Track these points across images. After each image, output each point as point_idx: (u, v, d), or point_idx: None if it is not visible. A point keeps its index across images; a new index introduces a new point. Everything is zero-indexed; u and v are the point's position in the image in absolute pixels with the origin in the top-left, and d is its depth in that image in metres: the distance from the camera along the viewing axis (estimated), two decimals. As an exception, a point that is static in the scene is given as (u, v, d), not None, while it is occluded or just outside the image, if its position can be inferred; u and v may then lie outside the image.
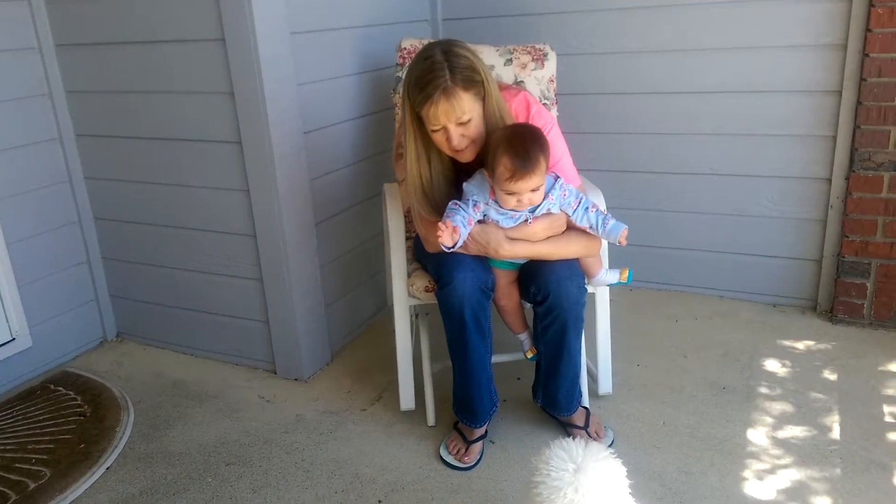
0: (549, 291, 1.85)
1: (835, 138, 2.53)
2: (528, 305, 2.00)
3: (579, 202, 1.84)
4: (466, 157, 1.82)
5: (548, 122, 1.92)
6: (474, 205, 1.80)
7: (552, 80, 2.46)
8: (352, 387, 2.40)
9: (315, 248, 2.42)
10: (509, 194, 1.74)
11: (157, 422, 2.25)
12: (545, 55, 2.44)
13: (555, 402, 2.03)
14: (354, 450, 2.06)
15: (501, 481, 1.91)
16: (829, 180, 2.58)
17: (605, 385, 2.25)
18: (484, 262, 1.89)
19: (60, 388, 2.44)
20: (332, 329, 2.56)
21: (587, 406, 2.13)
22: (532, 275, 1.90)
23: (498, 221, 1.81)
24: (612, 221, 1.83)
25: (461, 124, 1.75)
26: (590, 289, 2.05)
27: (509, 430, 2.12)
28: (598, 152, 2.88)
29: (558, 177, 1.83)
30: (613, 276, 2.05)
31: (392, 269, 2.08)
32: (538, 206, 1.79)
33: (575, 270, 1.88)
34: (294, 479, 1.95)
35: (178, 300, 2.61)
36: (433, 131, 1.77)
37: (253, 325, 2.47)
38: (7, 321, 2.42)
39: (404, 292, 2.07)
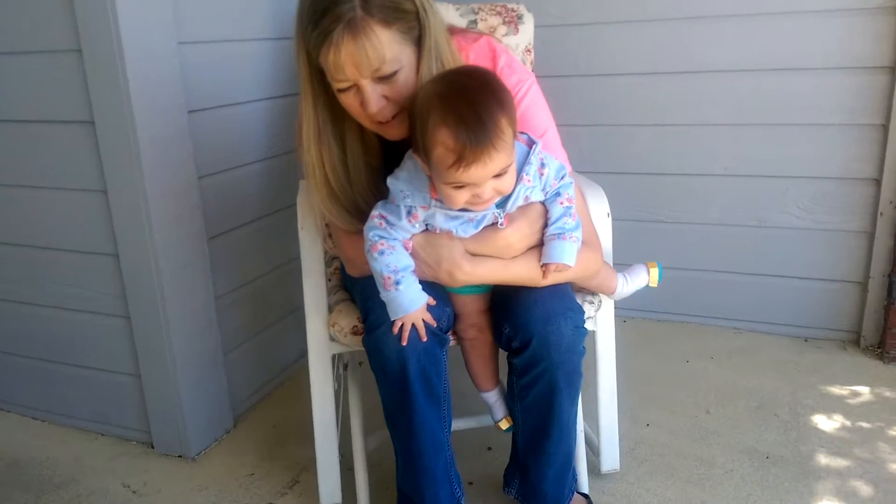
0: (530, 335, 1.22)
1: (886, 128, 1.98)
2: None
3: (559, 183, 1.23)
4: (394, 132, 1.20)
5: (523, 79, 1.31)
6: (408, 213, 1.18)
7: (528, 51, 1.88)
8: (257, 467, 1.72)
9: (208, 273, 1.74)
10: (458, 188, 1.10)
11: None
12: (519, 17, 1.85)
13: (538, 493, 1.40)
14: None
15: None
16: (878, 181, 2.03)
17: (611, 459, 1.62)
18: (436, 290, 1.25)
19: None
20: (234, 384, 1.88)
21: (586, 493, 1.50)
22: (505, 308, 1.28)
23: (452, 231, 1.19)
24: (567, 241, 1.21)
25: (382, 79, 1.12)
26: (591, 325, 1.44)
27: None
28: (580, 148, 2.28)
29: (534, 140, 1.21)
30: (639, 280, 1.47)
31: (306, 302, 1.43)
32: (509, 196, 1.17)
33: (569, 302, 1.26)
34: None
35: (24, 345, 1.90)
36: (339, 91, 1.15)
37: (120, 379, 1.78)
38: None
39: (323, 335, 1.43)
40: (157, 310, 1.64)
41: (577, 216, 1.23)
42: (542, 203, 1.23)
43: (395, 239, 1.19)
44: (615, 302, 1.53)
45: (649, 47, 2.17)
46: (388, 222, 1.18)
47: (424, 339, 1.19)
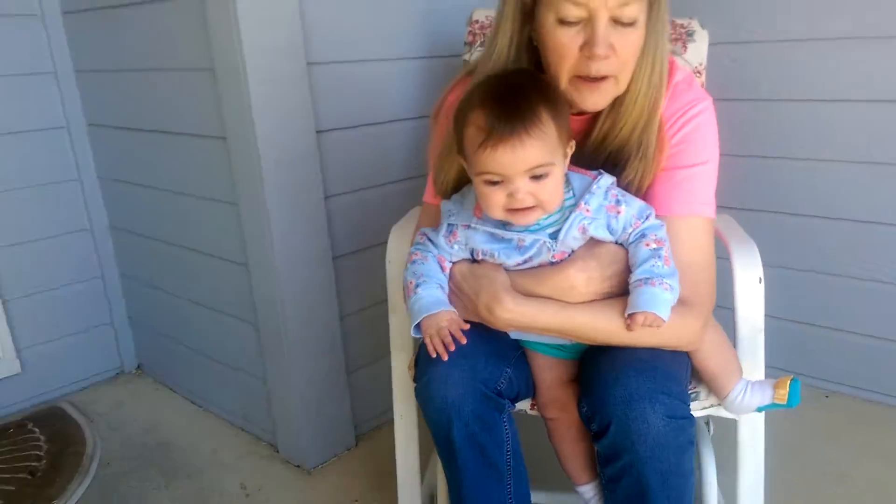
0: (608, 419, 1.01)
1: None
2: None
3: (643, 224, 1.03)
4: (601, 98, 1.06)
5: (699, 98, 1.12)
6: (448, 231, 1.07)
7: (699, 72, 1.58)
8: (363, 496, 1.68)
9: (332, 292, 1.73)
10: (492, 184, 0.98)
11: (104, 498, 1.69)
12: (690, 34, 1.56)
13: None
14: None
15: None
16: None
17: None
18: (498, 346, 1.09)
19: (35, 431, 1.99)
20: (358, 403, 1.86)
21: None
22: (584, 380, 1.09)
23: (494, 255, 1.05)
24: (658, 288, 0.98)
25: (619, 23, 1.00)
26: (699, 411, 1.17)
27: None
28: (731, 182, 1.91)
29: (602, 172, 1.05)
30: (761, 395, 1.16)
31: (391, 339, 1.35)
32: (566, 219, 1.02)
33: (664, 383, 1.01)
34: None
35: (188, 337, 2.06)
36: (562, 23, 1.02)
37: (255, 382, 1.85)
38: (-14, 342, 2.02)
39: (406, 375, 1.33)
40: (279, 323, 1.67)
41: (672, 264, 1.01)
42: (621, 245, 1.04)
43: (430, 252, 1.08)
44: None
45: (815, 70, 1.77)
46: (428, 239, 1.09)
47: (452, 349, 1.02)
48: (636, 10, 0.99)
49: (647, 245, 1.01)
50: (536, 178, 0.96)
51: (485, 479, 1.11)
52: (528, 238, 1.03)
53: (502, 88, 0.98)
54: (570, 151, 1.02)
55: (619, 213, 1.02)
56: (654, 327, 0.97)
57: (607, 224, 1.03)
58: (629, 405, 0.99)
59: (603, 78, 1.02)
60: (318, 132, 1.62)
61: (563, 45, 1.00)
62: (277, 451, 1.85)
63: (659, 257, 1.00)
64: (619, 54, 1.00)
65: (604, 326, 1.02)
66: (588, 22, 0.98)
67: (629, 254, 1.03)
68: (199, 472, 1.80)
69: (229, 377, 1.94)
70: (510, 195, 0.97)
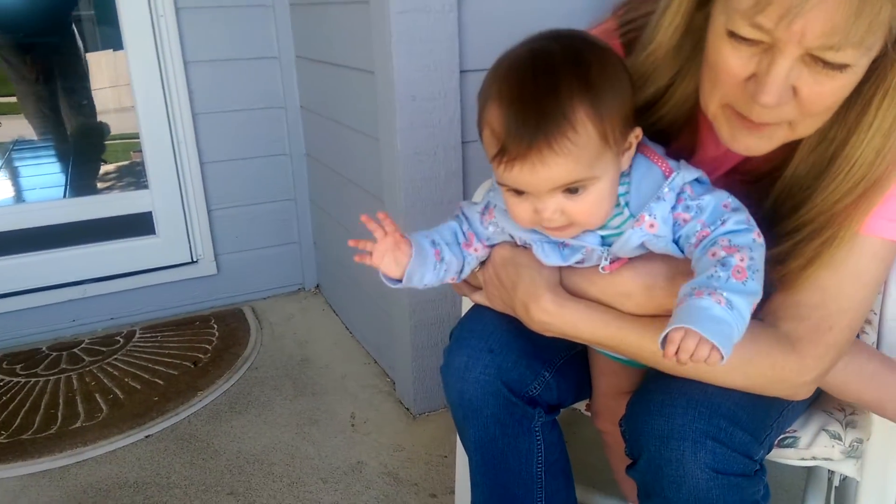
0: (640, 450, 0.83)
1: None
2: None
3: (713, 231, 0.75)
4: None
5: None
6: (485, 208, 0.89)
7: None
8: (453, 452, 1.63)
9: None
10: (515, 194, 0.77)
11: (236, 401, 1.85)
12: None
13: None
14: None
15: None
16: None
17: None
18: (538, 348, 0.94)
19: (214, 327, 2.24)
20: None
21: None
22: (637, 391, 0.89)
23: (531, 245, 0.85)
24: (706, 300, 0.69)
25: None
26: (796, 461, 0.92)
27: None
28: None
29: (679, 165, 0.78)
30: None
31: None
32: (622, 233, 0.79)
33: (723, 421, 0.79)
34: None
35: (351, 266, 2.15)
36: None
37: (390, 320, 1.86)
38: (190, 243, 2.30)
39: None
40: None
41: (754, 280, 0.72)
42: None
43: (454, 225, 0.91)
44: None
45: None
46: (464, 214, 0.92)
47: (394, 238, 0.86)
48: (853, 56, 0.67)
49: (714, 255, 0.74)
50: (571, 191, 0.74)
51: (503, 490, 0.99)
52: (575, 241, 0.82)
53: (527, 74, 0.73)
54: (633, 142, 0.78)
55: (685, 221, 0.77)
56: (695, 358, 0.66)
57: (675, 235, 0.78)
58: (666, 443, 0.80)
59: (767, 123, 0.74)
60: (462, 72, 1.55)
61: (724, 66, 0.72)
62: (395, 390, 1.87)
63: (725, 266, 0.71)
64: (804, 103, 0.71)
65: (656, 352, 0.72)
66: (769, 50, 0.69)
67: (699, 267, 0.75)
68: (323, 392, 1.88)
69: (376, 310, 1.98)
70: (536, 211, 0.76)
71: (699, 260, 0.75)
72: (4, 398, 1.85)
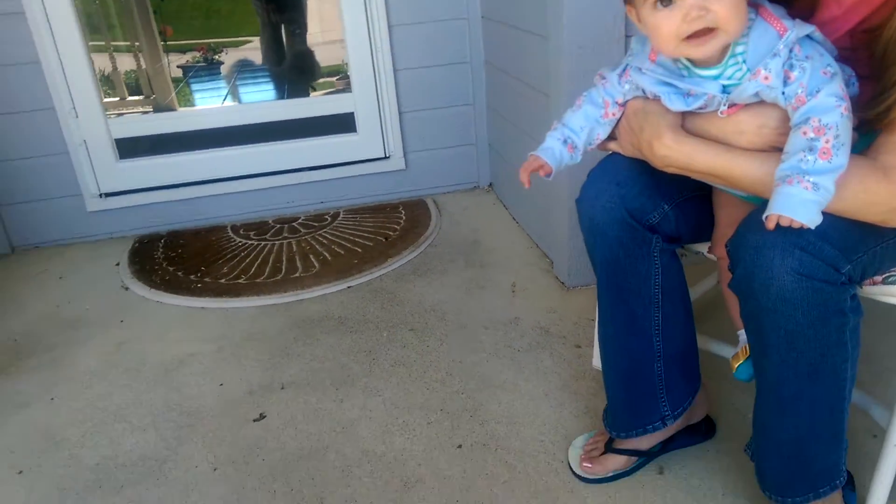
0: (738, 260, 0.99)
1: None
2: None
3: (809, 101, 0.90)
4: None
5: None
6: (623, 69, 1.08)
7: None
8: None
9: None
10: (661, 6, 0.91)
11: (418, 268, 2.21)
12: None
13: (759, 470, 1.16)
14: (508, 382, 1.65)
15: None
16: None
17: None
18: (658, 175, 1.10)
19: (401, 212, 2.61)
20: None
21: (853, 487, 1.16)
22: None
23: (661, 98, 1.02)
24: (796, 187, 0.88)
25: None
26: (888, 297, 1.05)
27: (693, 457, 1.35)
28: None
29: (794, 23, 0.92)
30: None
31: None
32: (740, 83, 0.95)
33: (813, 236, 0.92)
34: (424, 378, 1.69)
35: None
36: None
37: (550, 214, 2.11)
38: (384, 140, 2.66)
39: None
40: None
41: (839, 155, 0.87)
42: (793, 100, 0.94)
43: (591, 98, 1.11)
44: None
45: None
46: (604, 77, 1.11)
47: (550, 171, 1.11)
48: None
49: (805, 133, 0.88)
50: None
51: (624, 307, 1.19)
52: (698, 89, 0.97)
53: None
54: None
55: (790, 78, 0.90)
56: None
57: (789, 79, 0.91)
58: (759, 252, 0.94)
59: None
60: (627, 37, 1.71)
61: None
62: (552, 267, 2.13)
63: (812, 150, 0.87)
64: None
65: (762, 178, 0.93)
66: None
67: (796, 120, 0.91)
68: (490, 265, 2.19)
69: (540, 204, 2.23)
70: (682, 18, 0.90)
71: (794, 133, 0.91)
72: (242, 254, 2.34)
